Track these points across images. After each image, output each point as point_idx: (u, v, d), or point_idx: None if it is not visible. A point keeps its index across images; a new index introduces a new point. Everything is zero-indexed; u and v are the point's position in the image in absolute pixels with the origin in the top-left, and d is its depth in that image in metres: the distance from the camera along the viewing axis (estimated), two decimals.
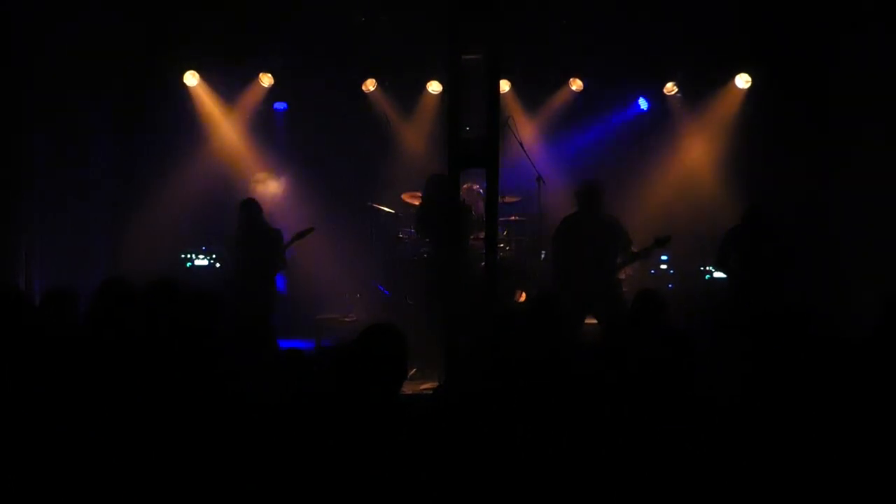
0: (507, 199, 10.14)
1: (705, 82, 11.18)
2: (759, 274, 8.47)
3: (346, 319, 10.71)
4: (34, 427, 3.84)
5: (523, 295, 10.11)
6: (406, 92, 11.54)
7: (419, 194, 9.90)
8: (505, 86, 10.95)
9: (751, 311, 7.72)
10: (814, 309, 4.52)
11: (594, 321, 8.67)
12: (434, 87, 11.42)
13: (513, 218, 10.54)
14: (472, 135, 7.73)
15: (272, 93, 11.42)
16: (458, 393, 4.15)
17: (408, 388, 4.16)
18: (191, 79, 11.27)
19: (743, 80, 11.06)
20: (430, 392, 6.33)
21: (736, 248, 8.68)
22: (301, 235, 9.36)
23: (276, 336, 8.32)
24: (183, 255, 11.11)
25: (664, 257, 11.04)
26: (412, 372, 8.14)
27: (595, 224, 8.61)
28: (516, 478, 3.59)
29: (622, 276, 9.13)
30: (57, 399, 4.01)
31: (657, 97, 11.31)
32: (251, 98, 11.46)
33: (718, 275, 9.84)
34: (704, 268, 10.71)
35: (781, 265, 8.56)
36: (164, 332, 4.76)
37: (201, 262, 11.16)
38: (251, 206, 9.30)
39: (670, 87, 11.28)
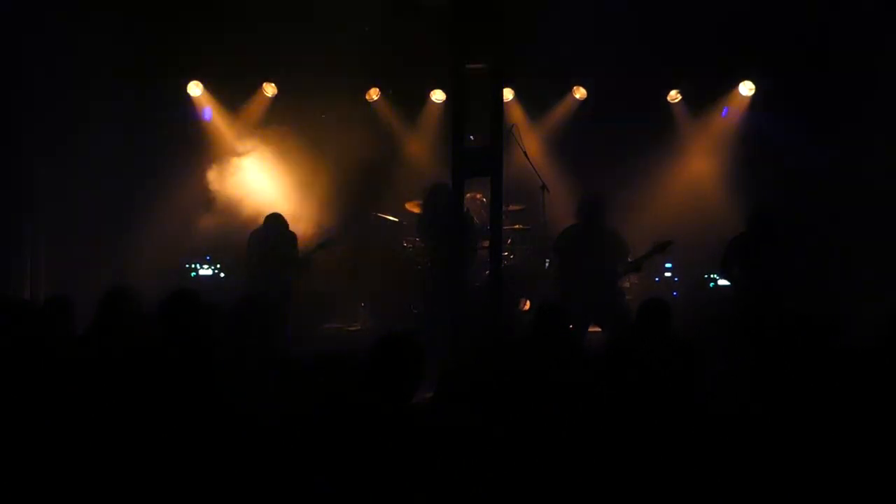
0: (512, 208, 10.14)
1: (709, 90, 11.18)
2: (764, 281, 8.43)
3: (351, 329, 10.70)
4: (33, 435, 3.84)
5: (527, 303, 10.11)
6: (409, 101, 11.55)
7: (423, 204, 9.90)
8: (508, 94, 10.96)
9: (756, 320, 7.69)
10: (831, 319, 4.48)
11: (598, 329, 8.66)
12: (438, 96, 11.43)
13: (517, 226, 10.53)
14: (476, 144, 7.75)
15: (275, 102, 11.43)
16: (453, 401, 4.13)
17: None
18: (194, 88, 11.30)
19: (746, 88, 11.06)
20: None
21: (740, 255, 8.65)
22: (325, 245, 9.37)
23: (287, 342, 8.29)
24: (187, 265, 11.11)
25: (668, 265, 11.02)
26: None
27: (595, 237, 8.57)
28: (516, 486, 3.58)
29: (626, 284, 9.12)
30: (57, 408, 4.01)
31: (660, 105, 11.30)
32: (255, 107, 11.47)
33: (723, 283, 9.82)
34: (709, 276, 10.69)
35: (786, 272, 8.51)
36: (178, 342, 4.76)
37: (205, 271, 11.16)
38: (274, 220, 9.34)
39: (674, 95, 11.28)
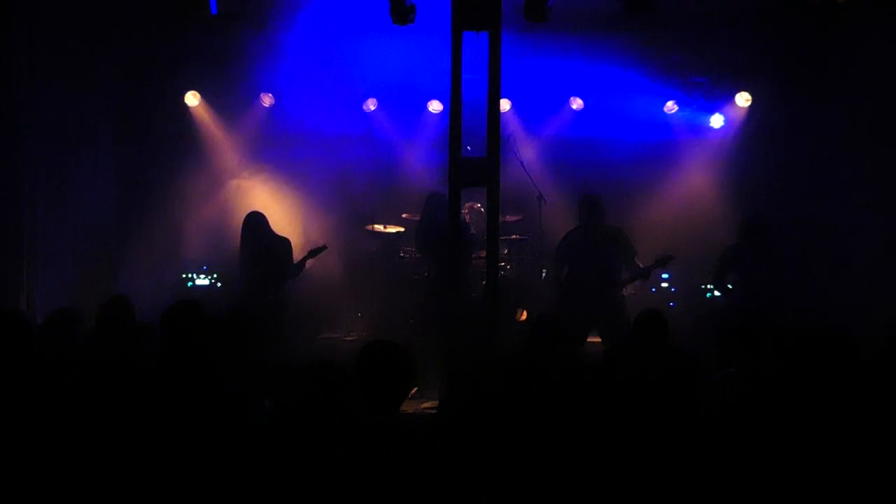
0: (509, 218, 10.14)
1: (706, 101, 11.20)
2: (757, 291, 8.41)
3: (347, 339, 10.69)
4: (36, 448, 3.83)
5: (524, 313, 10.10)
6: (407, 111, 11.56)
7: (420, 213, 9.91)
8: (505, 105, 10.96)
9: (752, 329, 7.66)
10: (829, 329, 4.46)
11: (597, 339, 8.63)
12: (435, 106, 11.44)
13: (514, 236, 10.54)
14: (473, 154, 7.76)
15: (273, 113, 11.44)
16: (458, 412, 4.13)
17: (408, 407, 4.15)
18: (192, 99, 11.30)
19: (743, 99, 11.08)
20: (432, 411, 6.32)
21: (733, 265, 8.63)
22: (314, 253, 9.33)
23: (284, 350, 8.24)
24: (184, 275, 11.10)
25: (665, 276, 11.02)
26: (413, 391, 8.10)
27: (598, 237, 8.56)
28: (518, 497, 3.57)
29: (624, 293, 9.10)
30: (59, 420, 4.00)
31: (659, 115, 11.32)
32: (252, 118, 11.47)
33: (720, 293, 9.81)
34: (706, 286, 10.68)
35: (779, 281, 8.49)
36: (178, 352, 4.75)
37: (202, 281, 11.15)
38: (256, 218, 9.31)
39: (670, 106, 11.30)
